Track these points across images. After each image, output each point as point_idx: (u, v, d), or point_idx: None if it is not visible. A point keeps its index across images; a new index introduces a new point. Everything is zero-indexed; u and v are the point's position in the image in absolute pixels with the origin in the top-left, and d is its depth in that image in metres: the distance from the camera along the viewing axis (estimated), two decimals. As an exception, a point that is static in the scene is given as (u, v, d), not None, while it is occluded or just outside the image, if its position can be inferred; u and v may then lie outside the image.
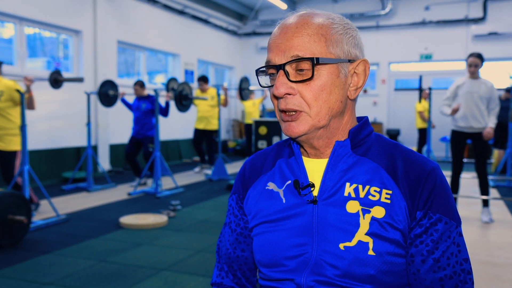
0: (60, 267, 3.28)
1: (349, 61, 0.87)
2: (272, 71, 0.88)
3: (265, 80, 0.91)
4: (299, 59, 0.83)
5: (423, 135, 9.16)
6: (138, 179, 6.73)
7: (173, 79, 6.93)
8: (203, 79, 8.10)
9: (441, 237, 0.84)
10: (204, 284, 2.96)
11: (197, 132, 8.15)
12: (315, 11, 0.89)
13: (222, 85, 8.07)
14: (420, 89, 8.03)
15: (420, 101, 9.04)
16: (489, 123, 4.47)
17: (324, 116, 0.85)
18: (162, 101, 7.47)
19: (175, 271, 3.21)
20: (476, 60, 4.46)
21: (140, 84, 6.76)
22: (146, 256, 3.53)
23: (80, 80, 5.25)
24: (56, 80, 5.37)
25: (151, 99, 6.64)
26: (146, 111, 6.65)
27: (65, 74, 7.56)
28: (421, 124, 9.06)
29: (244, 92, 7.43)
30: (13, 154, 4.59)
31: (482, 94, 4.48)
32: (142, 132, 6.68)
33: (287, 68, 0.84)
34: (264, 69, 0.89)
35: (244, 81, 7.46)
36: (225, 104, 8.13)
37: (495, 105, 4.50)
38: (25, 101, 4.54)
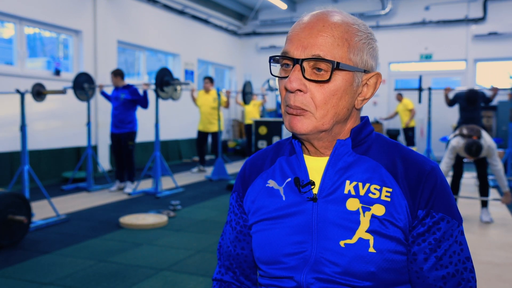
0: (60, 267, 3.28)
1: (365, 71, 0.86)
2: (287, 62, 0.86)
3: (277, 69, 0.90)
4: (320, 59, 0.82)
5: (405, 134, 10.08)
6: (118, 182, 6.40)
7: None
8: (210, 78, 8.25)
9: (444, 235, 0.85)
10: (204, 284, 2.96)
11: (199, 133, 8.35)
12: (342, 12, 0.88)
13: (222, 89, 8.10)
14: (420, 89, 8.02)
15: (420, 101, 9.08)
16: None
17: (329, 120, 0.85)
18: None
19: (175, 271, 3.21)
20: (475, 154, 4.30)
21: (115, 73, 6.19)
22: (146, 256, 3.53)
23: (62, 92, 5.21)
24: (38, 93, 5.31)
25: (131, 89, 6.16)
26: (125, 102, 6.13)
27: (65, 74, 7.57)
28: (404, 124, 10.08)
29: (247, 96, 7.42)
30: None
31: (483, 155, 4.45)
32: (120, 125, 6.17)
33: (304, 64, 0.83)
34: (278, 58, 0.88)
35: (248, 85, 7.43)
36: (227, 106, 8.32)
37: (494, 157, 4.39)
38: None
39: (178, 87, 7.12)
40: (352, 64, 0.84)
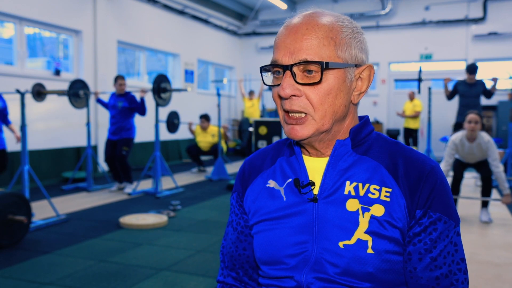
0: (60, 267, 3.28)
1: (356, 65, 0.87)
2: (278, 70, 0.87)
3: (269, 78, 0.90)
4: (308, 62, 0.82)
5: (406, 135, 10.04)
6: (117, 183, 6.41)
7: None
8: (205, 117, 8.31)
9: (440, 236, 0.85)
10: (204, 284, 2.96)
11: (196, 146, 8.40)
12: (324, 11, 0.88)
13: (223, 125, 8.23)
14: (419, 79, 7.98)
15: (419, 92, 9.08)
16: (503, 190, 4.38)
17: (329, 120, 0.85)
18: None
19: (175, 271, 3.21)
20: (476, 117, 4.24)
21: (124, 78, 6.26)
22: (146, 256, 3.53)
23: (63, 92, 5.18)
24: (38, 93, 5.28)
25: (129, 97, 6.16)
26: (123, 109, 6.12)
27: (65, 74, 7.57)
28: (409, 124, 10.03)
29: (244, 134, 7.49)
30: None
31: (483, 154, 4.45)
32: (118, 133, 6.16)
33: (294, 69, 0.84)
34: (269, 67, 0.88)
35: (245, 122, 7.48)
36: (226, 139, 8.55)
37: (494, 156, 4.38)
38: None
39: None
40: (341, 61, 0.84)
